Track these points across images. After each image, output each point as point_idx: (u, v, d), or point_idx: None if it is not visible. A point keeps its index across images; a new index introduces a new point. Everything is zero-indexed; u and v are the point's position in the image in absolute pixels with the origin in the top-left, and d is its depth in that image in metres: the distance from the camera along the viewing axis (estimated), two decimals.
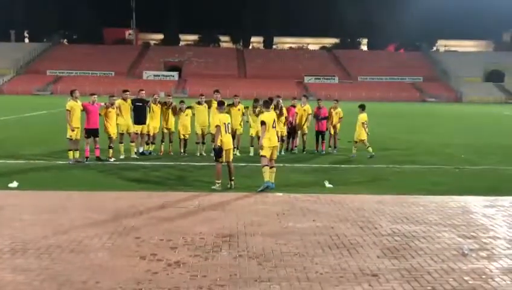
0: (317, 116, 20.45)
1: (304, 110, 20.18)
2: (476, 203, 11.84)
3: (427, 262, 7.85)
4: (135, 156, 18.17)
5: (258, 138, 18.29)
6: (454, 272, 7.45)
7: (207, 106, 19.04)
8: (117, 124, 17.81)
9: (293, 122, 19.93)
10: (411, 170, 16.82)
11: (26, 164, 16.34)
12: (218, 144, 12.93)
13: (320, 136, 20.44)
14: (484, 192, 13.05)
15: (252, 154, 18.86)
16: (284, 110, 18.70)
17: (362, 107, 19.75)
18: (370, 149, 19.47)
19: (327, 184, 13.66)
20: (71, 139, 16.71)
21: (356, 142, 19.63)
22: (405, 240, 8.91)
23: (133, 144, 18.31)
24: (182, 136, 18.98)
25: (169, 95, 19.87)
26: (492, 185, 14.15)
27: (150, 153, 18.84)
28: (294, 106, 20.31)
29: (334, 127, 20.53)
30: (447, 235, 9.25)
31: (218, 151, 12.98)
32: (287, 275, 7.21)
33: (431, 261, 7.90)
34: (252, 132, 19.03)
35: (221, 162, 13.00)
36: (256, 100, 19.35)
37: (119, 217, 9.95)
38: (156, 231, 9.11)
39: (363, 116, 19.51)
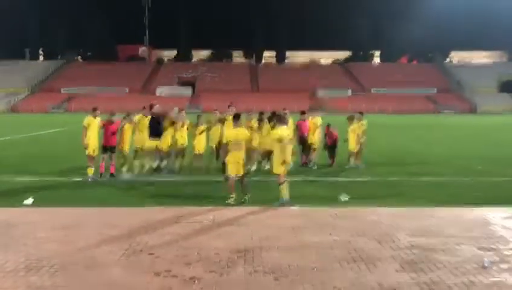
0: (325, 142, 20.57)
1: (313, 123, 20.00)
2: (495, 214, 11.63)
3: (447, 275, 7.68)
4: (147, 172, 18.07)
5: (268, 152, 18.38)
6: (474, 286, 7.28)
7: (220, 123, 19.01)
8: (132, 140, 17.84)
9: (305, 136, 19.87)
10: (427, 182, 16.64)
11: (41, 181, 16.37)
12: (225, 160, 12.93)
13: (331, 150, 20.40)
14: (503, 203, 12.85)
15: (267, 167, 18.80)
16: (291, 123, 18.50)
17: (351, 118, 20.25)
18: (352, 161, 19.91)
19: (343, 198, 13.52)
20: (90, 156, 16.76)
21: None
22: (424, 253, 8.75)
23: (147, 159, 18.27)
24: (197, 152, 18.89)
25: (181, 110, 19.81)
26: (511, 196, 13.93)
27: (167, 170, 18.70)
28: (304, 120, 20.20)
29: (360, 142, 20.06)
30: (467, 248, 9.07)
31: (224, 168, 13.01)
32: None
33: (450, 274, 7.74)
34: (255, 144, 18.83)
35: (227, 178, 12.96)
36: (261, 113, 19.47)
37: (133, 233, 9.89)
38: (171, 247, 9.03)
39: (356, 127, 19.91)
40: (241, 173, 13.09)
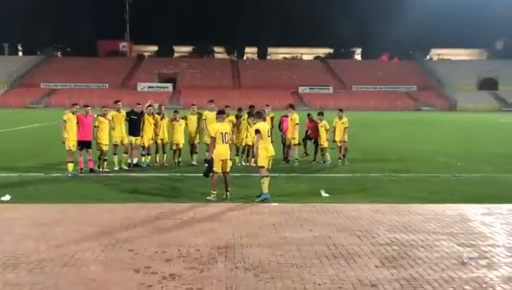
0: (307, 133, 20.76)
1: (291, 119, 19.95)
2: (474, 211, 11.75)
3: (427, 271, 7.72)
4: (125, 167, 18.01)
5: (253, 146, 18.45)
6: (454, 281, 7.33)
7: (197, 117, 19.11)
8: (111, 136, 17.80)
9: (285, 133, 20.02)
10: (407, 178, 16.74)
11: (19, 177, 16.19)
12: (212, 155, 12.84)
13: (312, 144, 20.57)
14: (482, 200, 12.97)
15: (246, 164, 18.94)
16: (268, 120, 18.51)
17: (322, 114, 20.73)
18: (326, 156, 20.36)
19: (323, 193, 13.56)
20: (70, 151, 16.60)
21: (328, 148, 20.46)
22: (403, 249, 8.79)
23: (125, 155, 18.19)
24: (175, 147, 18.94)
25: (162, 105, 19.87)
26: (490, 193, 14.07)
27: (147, 165, 18.69)
28: (286, 116, 20.25)
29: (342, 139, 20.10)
30: (446, 244, 9.14)
31: (209, 165, 12.91)
32: (284, 286, 7.08)
33: (430, 270, 7.79)
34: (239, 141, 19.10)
35: (208, 176, 12.93)
36: (239, 110, 19.74)
37: (113, 230, 9.80)
38: (151, 243, 8.97)
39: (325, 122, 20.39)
40: (228, 169, 13.09)
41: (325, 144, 20.24)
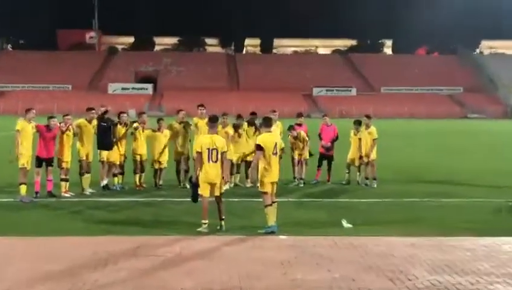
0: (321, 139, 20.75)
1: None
2: None
3: None
4: (90, 190, 17.99)
5: (246, 163, 18.41)
6: None
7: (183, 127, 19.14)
8: (79, 150, 17.71)
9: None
10: (452, 204, 16.74)
11: None
12: (198, 174, 12.88)
13: (326, 163, 20.51)
14: None
15: (248, 185, 18.93)
16: (276, 130, 18.54)
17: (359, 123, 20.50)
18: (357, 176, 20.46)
19: (345, 224, 13.55)
20: (24, 169, 16.56)
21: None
22: None
23: (87, 175, 18.09)
24: (156, 165, 18.94)
25: (142, 113, 19.86)
26: None
27: (122, 187, 18.66)
28: (300, 124, 20.31)
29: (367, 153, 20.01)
30: (502, 288, 9.13)
31: (194, 187, 12.94)
32: None
33: None
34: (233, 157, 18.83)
35: (196, 200, 12.96)
36: (239, 116, 19.72)
37: (78, 269, 9.79)
38: (126, 287, 8.98)
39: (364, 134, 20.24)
40: (218, 193, 13.08)
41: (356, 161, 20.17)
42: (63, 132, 17.26)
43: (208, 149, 12.81)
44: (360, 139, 20.05)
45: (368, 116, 20.83)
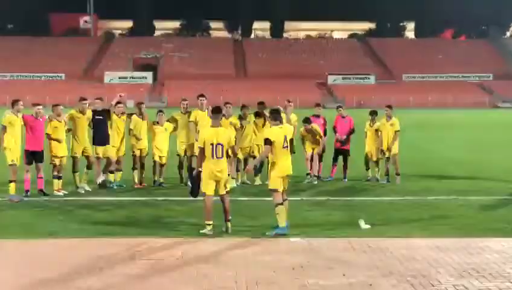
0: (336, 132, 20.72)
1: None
2: None
3: None
4: (86, 188, 18.06)
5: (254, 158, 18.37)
6: None
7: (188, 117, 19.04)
8: (72, 145, 17.75)
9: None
10: (480, 202, 16.69)
11: None
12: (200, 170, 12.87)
13: (341, 158, 20.52)
14: None
15: (257, 183, 18.97)
16: (289, 121, 18.56)
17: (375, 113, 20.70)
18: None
19: (363, 224, 13.53)
20: (13, 166, 16.59)
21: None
22: None
23: (86, 171, 18.19)
24: (157, 159, 18.91)
25: (141, 103, 19.81)
26: None
27: (120, 186, 18.70)
28: (318, 116, 20.30)
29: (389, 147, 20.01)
30: None
31: (193, 182, 12.92)
32: None
33: None
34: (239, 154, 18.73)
35: (196, 195, 12.96)
36: (244, 106, 19.67)
37: (70, 274, 9.84)
38: None
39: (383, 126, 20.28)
40: (223, 191, 13.08)
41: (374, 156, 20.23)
42: (51, 120, 17.23)
43: (212, 144, 12.76)
44: (376, 130, 20.08)
45: (389, 107, 20.71)
